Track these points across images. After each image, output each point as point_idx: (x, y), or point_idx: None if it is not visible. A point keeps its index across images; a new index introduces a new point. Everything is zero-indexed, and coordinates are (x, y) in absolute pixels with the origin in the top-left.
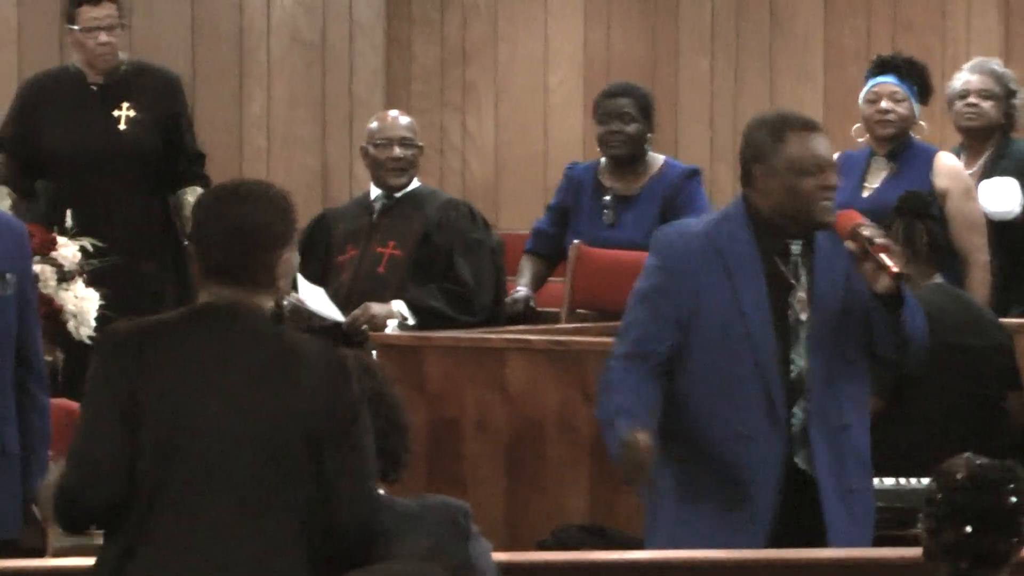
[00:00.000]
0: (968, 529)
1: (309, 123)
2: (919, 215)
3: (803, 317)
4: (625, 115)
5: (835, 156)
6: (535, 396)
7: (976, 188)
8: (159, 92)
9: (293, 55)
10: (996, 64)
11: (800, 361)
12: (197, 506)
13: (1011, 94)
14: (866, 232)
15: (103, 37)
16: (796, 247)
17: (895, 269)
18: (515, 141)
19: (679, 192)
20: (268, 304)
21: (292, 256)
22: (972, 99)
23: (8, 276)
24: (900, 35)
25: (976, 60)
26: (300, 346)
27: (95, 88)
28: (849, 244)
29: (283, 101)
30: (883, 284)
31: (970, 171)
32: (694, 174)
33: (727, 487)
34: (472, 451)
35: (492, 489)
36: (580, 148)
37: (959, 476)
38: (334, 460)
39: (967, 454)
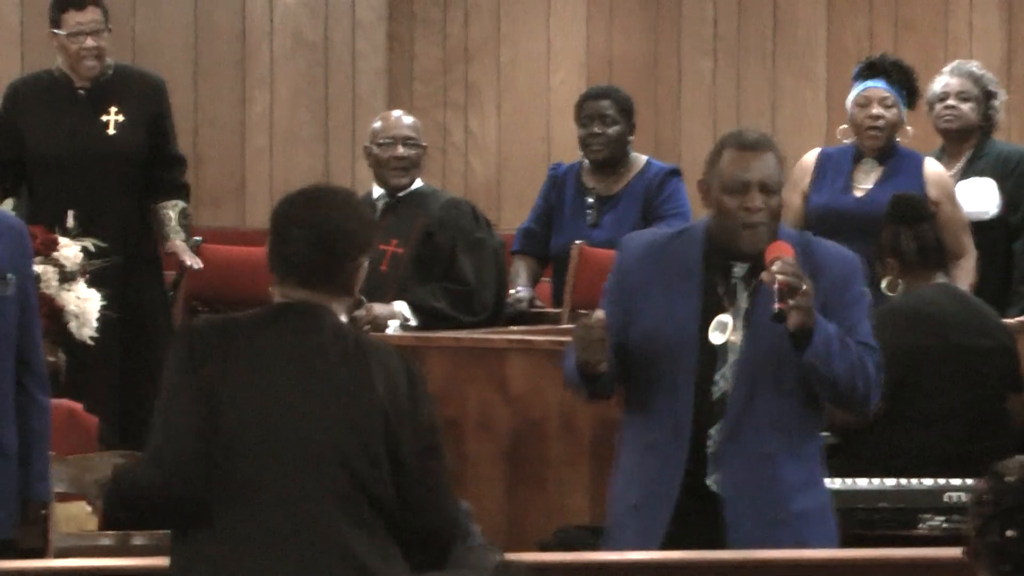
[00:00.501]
0: (1011, 532)
1: (311, 123)
2: (911, 219)
3: (716, 339)
4: (606, 117)
5: (812, 155)
6: (536, 396)
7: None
8: (145, 96)
9: (295, 55)
10: (975, 66)
11: (723, 383)
12: (287, 505)
13: (990, 96)
14: (776, 267)
15: (89, 42)
16: (739, 269)
17: (775, 307)
18: (517, 141)
19: (659, 191)
20: (342, 309)
21: (366, 263)
22: (951, 101)
23: (8, 276)
24: (902, 35)
25: (955, 63)
26: (377, 351)
27: (83, 92)
28: (764, 276)
29: (285, 101)
30: (788, 321)
31: (950, 172)
32: (674, 173)
33: (634, 490)
34: (473, 451)
35: (493, 489)
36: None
37: (1008, 479)
38: (417, 465)
39: (1020, 456)
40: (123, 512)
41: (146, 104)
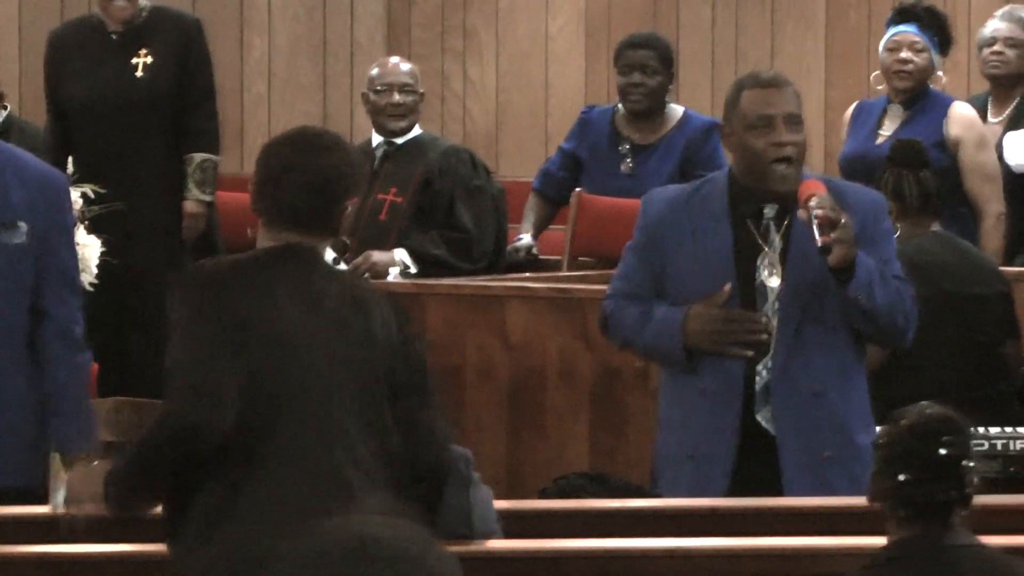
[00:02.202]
0: (902, 477)
1: (309, 70)
2: (909, 165)
3: (771, 282)
4: (647, 67)
5: (850, 108)
6: (537, 343)
7: (992, 138)
8: (176, 37)
9: (294, 1)
10: (1012, 10)
11: (766, 322)
12: (311, 440)
13: None
14: (812, 203)
15: (120, 3)
16: (769, 210)
17: (818, 242)
18: (516, 88)
19: (701, 147)
20: (325, 249)
21: (345, 206)
22: (998, 47)
23: (20, 224)
24: None
25: (1007, 8)
26: (367, 290)
27: (115, 36)
28: (800, 214)
29: (284, 48)
30: (829, 256)
31: (996, 120)
32: (714, 127)
33: (688, 440)
34: (474, 399)
35: (494, 436)
36: (581, 95)
37: (903, 423)
38: (411, 401)
39: (923, 403)
40: (172, 451)
41: (176, 45)
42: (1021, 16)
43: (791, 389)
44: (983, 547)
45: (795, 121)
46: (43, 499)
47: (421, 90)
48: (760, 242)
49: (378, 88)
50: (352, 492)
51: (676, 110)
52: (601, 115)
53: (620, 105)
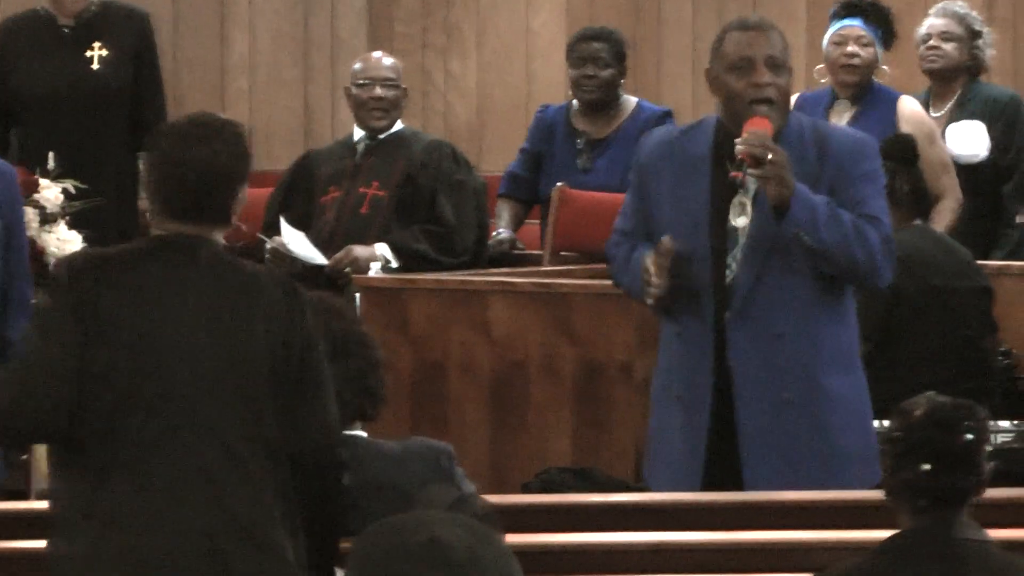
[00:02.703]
0: (925, 467)
1: (292, 65)
2: (902, 160)
3: (739, 223)
4: (599, 60)
5: (793, 97)
6: (519, 338)
7: (942, 131)
8: (129, 30)
9: None
10: (959, 6)
11: (736, 266)
12: (169, 440)
13: (975, 35)
14: (738, 141)
15: None
16: None
17: (731, 175)
18: (498, 83)
19: None
20: (220, 238)
21: (244, 192)
22: (934, 41)
23: None
24: None
25: (940, 4)
26: (257, 276)
27: (67, 30)
28: (737, 151)
29: (266, 43)
30: (766, 192)
31: (937, 114)
32: (667, 116)
33: (675, 382)
34: (456, 393)
35: (476, 431)
36: (563, 90)
37: (917, 414)
38: (292, 388)
39: (929, 393)
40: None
41: (130, 38)
42: (955, 10)
43: (751, 331)
44: (989, 543)
45: (776, 64)
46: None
47: (403, 85)
48: (736, 187)
49: (360, 83)
50: (216, 486)
51: (629, 101)
52: (557, 112)
53: (575, 101)
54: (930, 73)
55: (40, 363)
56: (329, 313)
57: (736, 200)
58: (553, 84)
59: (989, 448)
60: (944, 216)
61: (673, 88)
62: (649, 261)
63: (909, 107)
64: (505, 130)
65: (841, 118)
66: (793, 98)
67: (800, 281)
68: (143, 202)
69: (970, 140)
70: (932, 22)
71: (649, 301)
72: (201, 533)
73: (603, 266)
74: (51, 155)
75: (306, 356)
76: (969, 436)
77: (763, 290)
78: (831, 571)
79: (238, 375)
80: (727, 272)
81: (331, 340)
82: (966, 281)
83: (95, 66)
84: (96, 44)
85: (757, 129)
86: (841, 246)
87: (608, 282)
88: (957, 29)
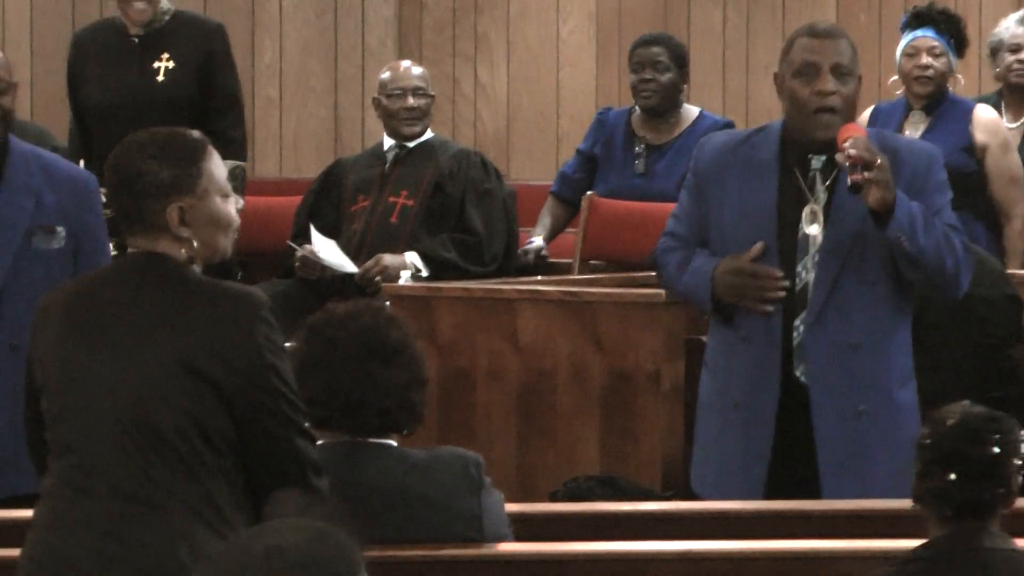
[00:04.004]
0: (952, 476)
1: (321, 74)
2: None
3: (812, 231)
4: (659, 64)
5: (866, 112)
6: (547, 347)
7: (1015, 142)
8: (197, 41)
9: (305, 5)
10: None
11: (805, 274)
12: (81, 481)
13: None
14: (847, 143)
15: (139, 5)
16: (816, 162)
17: (850, 179)
18: (526, 91)
19: None
20: (178, 252)
21: (198, 205)
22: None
23: (58, 230)
24: None
25: (1019, 13)
26: (208, 292)
27: (136, 40)
28: (839, 157)
29: (295, 52)
30: (867, 197)
31: (1013, 126)
32: (728, 127)
33: (735, 388)
34: (484, 402)
35: (504, 440)
36: (592, 98)
37: (949, 423)
38: (247, 409)
39: (964, 402)
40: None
41: (198, 50)
42: None
43: (826, 341)
44: (1018, 551)
45: (843, 72)
46: None
47: (432, 92)
48: (806, 193)
49: (391, 92)
50: (107, 528)
51: (691, 110)
52: (618, 116)
53: (636, 107)
54: (1013, 87)
55: (24, 413)
56: (389, 322)
57: (808, 208)
58: (581, 93)
59: (1019, 462)
60: (1017, 240)
61: (702, 96)
62: (758, 268)
63: (985, 115)
64: (533, 138)
65: (916, 130)
66: (868, 111)
67: (874, 291)
68: None
69: None
70: (1017, 32)
71: (769, 309)
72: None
73: (631, 275)
74: (80, 163)
75: (259, 379)
76: (997, 448)
77: (838, 299)
78: None
79: (148, 402)
80: (796, 280)
81: (385, 348)
82: (994, 290)
83: (160, 78)
84: (164, 55)
85: (859, 135)
86: (936, 253)
87: (636, 291)
88: None
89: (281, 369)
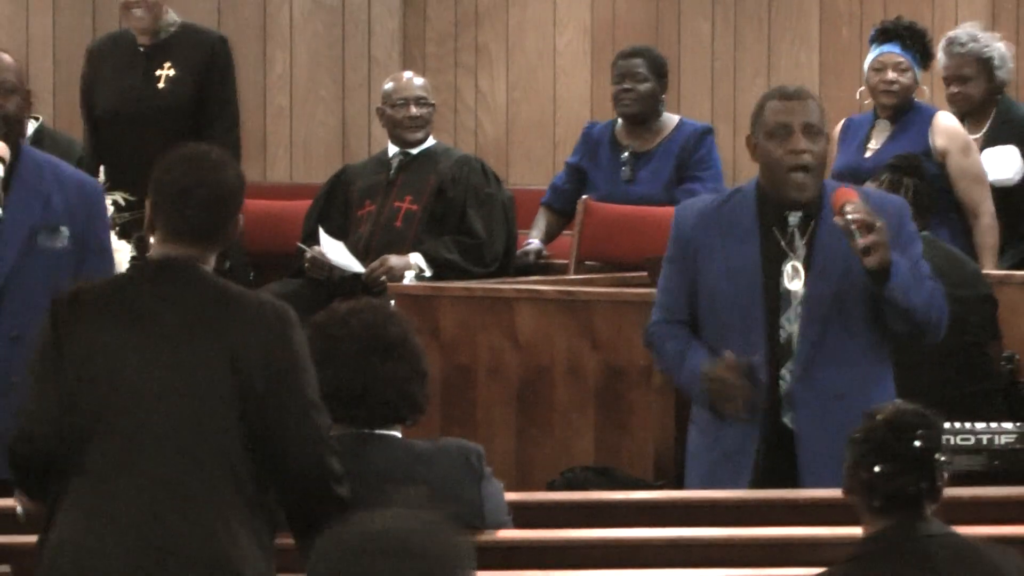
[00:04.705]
0: (877, 468)
1: (329, 83)
2: (907, 172)
3: (793, 286)
4: (638, 74)
5: (839, 125)
6: (545, 344)
7: (976, 147)
8: (199, 51)
9: (314, 18)
10: (964, 36)
11: (789, 326)
12: (121, 470)
13: (989, 64)
14: (848, 208)
15: (137, 12)
16: (793, 218)
17: (861, 242)
18: (525, 100)
19: (695, 150)
20: (211, 260)
21: (240, 217)
22: (953, 88)
23: (62, 229)
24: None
25: (946, 39)
26: (240, 298)
27: (143, 49)
28: (836, 220)
29: (304, 62)
30: (868, 260)
31: (975, 136)
32: (708, 132)
33: (721, 440)
34: (484, 396)
35: (503, 432)
36: (587, 107)
37: (878, 418)
38: (277, 408)
39: (898, 400)
40: (12, 462)
41: (198, 59)
42: (960, 51)
43: (813, 393)
44: (956, 535)
45: (814, 132)
46: None
47: (433, 101)
48: (785, 249)
49: (395, 102)
50: (157, 511)
51: (672, 118)
52: (602, 129)
53: (619, 118)
54: (959, 113)
55: (28, 408)
56: (388, 318)
57: (790, 265)
58: (577, 101)
59: (943, 457)
60: (989, 234)
61: (692, 104)
62: (726, 374)
63: (944, 121)
64: (531, 145)
65: (880, 137)
66: (840, 123)
67: (857, 343)
68: None
69: (1005, 164)
70: (946, 63)
71: (744, 417)
72: (145, 552)
73: (625, 275)
74: (101, 168)
75: (285, 378)
76: (920, 443)
77: (824, 351)
78: None
79: (199, 398)
80: (781, 332)
81: (384, 342)
82: (970, 290)
83: (161, 85)
84: (167, 64)
85: (854, 199)
86: (924, 306)
87: (630, 290)
88: (969, 70)
89: (312, 375)
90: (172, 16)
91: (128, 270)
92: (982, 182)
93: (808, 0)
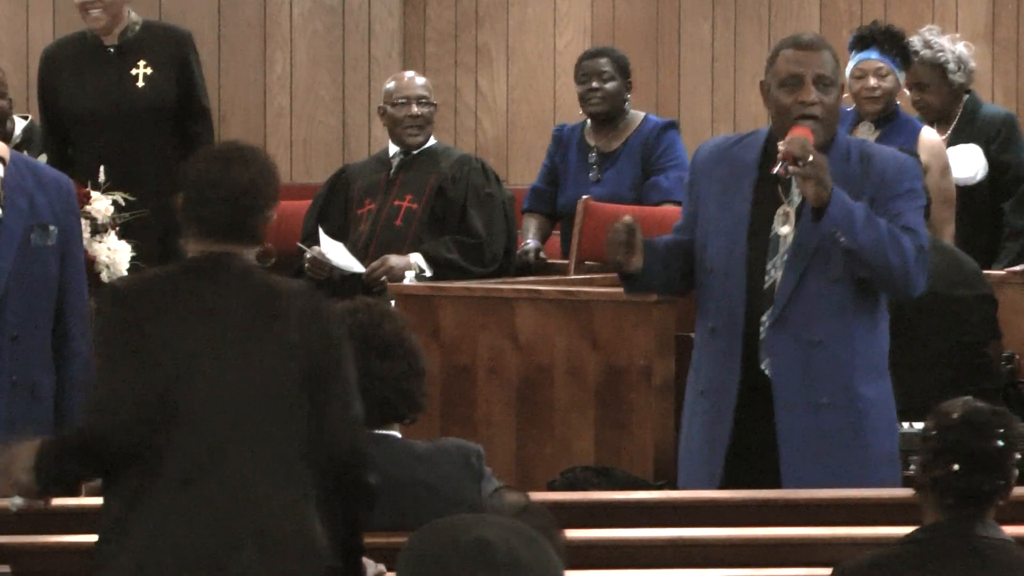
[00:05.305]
0: (956, 467)
1: (329, 83)
2: None
3: (783, 231)
4: (603, 73)
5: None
6: (544, 343)
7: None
8: (171, 48)
9: (314, 18)
10: (918, 45)
11: (774, 272)
12: (205, 463)
13: (945, 71)
14: (783, 141)
15: (95, 12)
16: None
17: (772, 169)
18: (525, 100)
19: (656, 144)
20: (251, 255)
21: (273, 212)
22: (913, 95)
23: (51, 228)
24: (891, 0)
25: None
26: (286, 290)
27: (112, 50)
28: (779, 156)
29: (305, 63)
30: (805, 193)
31: (943, 137)
32: (670, 126)
33: (702, 377)
34: (484, 396)
35: (503, 432)
36: None
37: (954, 416)
38: (321, 392)
39: (966, 397)
40: (81, 457)
41: (173, 56)
42: (918, 60)
43: (789, 337)
44: (1010, 542)
45: (826, 83)
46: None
47: (435, 101)
48: (781, 195)
49: (396, 102)
50: (250, 497)
51: (636, 116)
52: (572, 130)
53: (588, 119)
54: (925, 120)
55: (101, 401)
56: (383, 316)
57: (781, 210)
58: (576, 102)
59: (1020, 456)
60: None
61: (692, 105)
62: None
63: (929, 137)
64: (531, 145)
65: (867, 139)
66: None
67: (838, 289)
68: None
69: (968, 163)
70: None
71: (618, 259)
72: (241, 540)
73: None
74: (101, 168)
75: (332, 365)
76: (1000, 442)
77: (802, 297)
78: (854, 561)
79: (271, 387)
80: (766, 278)
81: (380, 341)
82: (970, 290)
83: (140, 84)
84: (141, 63)
85: (798, 134)
86: (876, 248)
87: None
88: (925, 77)
89: (352, 362)
90: (133, 15)
91: (175, 264)
92: (951, 205)
93: (808, 0)
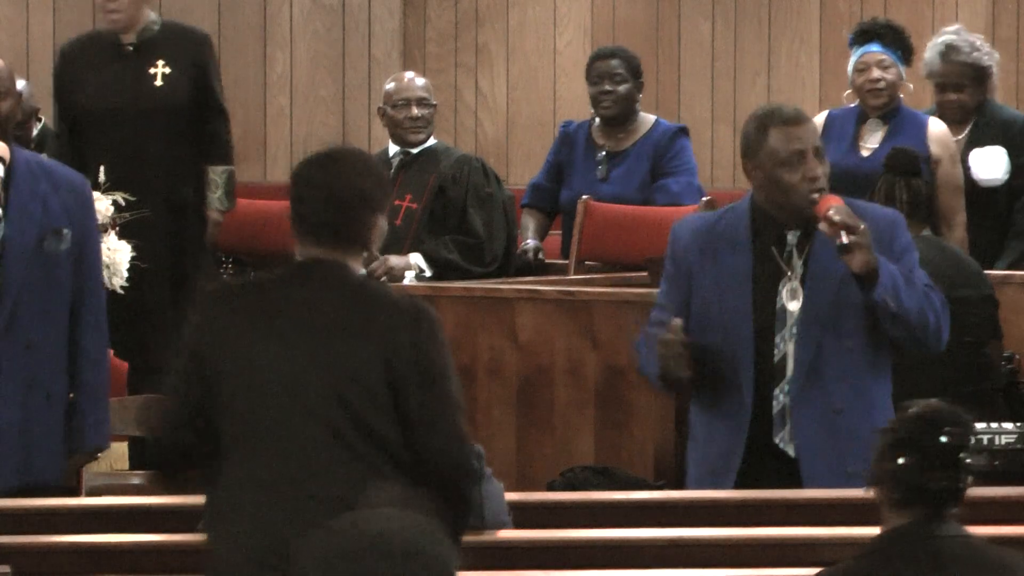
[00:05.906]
0: (901, 460)
1: (329, 83)
2: (903, 172)
3: (792, 307)
4: (616, 75)
5: (820, 118)
6: (544, 343)
7: (963, 155)
8: (190, 49)
9: (314, 18)
10: (960, 42)
11: (784, 345)
12: (279, 452)
13: (984, 73)
14: (831, 211)
15: (111, 5)
16: (792, 237)
17: (839, 241)
18: (525, 100)
19: (668, 149)
20: (358, 263)
21: (383, 221)
22: (951, 95)
23: (64, 231)
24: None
25: (942, 43)
26: (384, 299)
27: (130, 48)
28: (822, 227)
29: (305, 63)
30: (851, 262)
31: (957, 138)
32: (681, 132)
33: (712, 458)
34: (484, 396)
35: (504, 432)
36: (587, 107)
37: (911, 411)
38: (420, 403)
39: (934, 399)
40: (159, 460)
41: (191, 56)
42: (961, 59)
43: (811, 410)
44: (971, 537)
45: (821, 153)
46: (77, 492)
47: (435, 102)
48: (783, 268)
49: (396, 103)
50: (313, 504)
51: (648, 119)
52: (579, 127)
53: (596, 117)
54: (950, 120)
55: (167, 405)
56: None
57: (788, 285)
58: (577, 102)
59: (969, 460)
60: (959, 241)
61: (691, 105)
62: (668, 339)
63: (937, 128)
64: (531, 145)
65: (873, 137)
66: (822, 116)
67: (853, 359)
68: (216, 213)
69: (992, 164)
70: (939, 68)
71: (685, 373)
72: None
73: (624, 275)
74: (101, 168)
75: (425, 379)
76: (946, 439)
77: (820, 368)
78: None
79: (359, 394)
80: (775, 351)
81: None
82: (971, 290)
83: (158, 83)
84: (159, 62)
85: (840, 204)
86: (918, 309)
87: (629, 290)
88: (967, 79)
89: (455, 375)
90: (152, 14)
91: (273, 270)
92: (961, 192)
93: (808, 0)
